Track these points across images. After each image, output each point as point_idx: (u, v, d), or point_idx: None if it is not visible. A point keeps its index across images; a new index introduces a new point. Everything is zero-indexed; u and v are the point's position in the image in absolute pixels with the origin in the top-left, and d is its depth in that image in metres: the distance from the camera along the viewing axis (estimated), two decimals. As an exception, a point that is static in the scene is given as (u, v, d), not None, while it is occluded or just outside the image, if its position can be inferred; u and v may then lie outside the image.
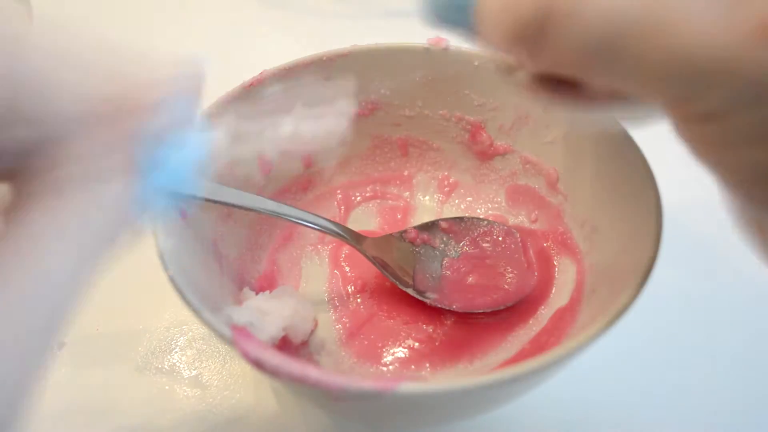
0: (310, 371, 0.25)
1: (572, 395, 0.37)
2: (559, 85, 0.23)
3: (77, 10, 0.78)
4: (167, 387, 0.38)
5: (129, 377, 0.39)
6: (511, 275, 0.42)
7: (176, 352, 0.40)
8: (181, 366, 0.39)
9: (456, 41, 0.44)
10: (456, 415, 0.31)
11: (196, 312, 0.28)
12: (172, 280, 0.29)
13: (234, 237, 0.40)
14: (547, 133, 0.42)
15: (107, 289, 0.43)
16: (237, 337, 0.27)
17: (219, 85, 0.42)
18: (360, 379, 0.25)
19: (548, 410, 0.37)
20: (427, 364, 0.38)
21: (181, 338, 0.41)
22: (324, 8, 0.80)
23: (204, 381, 0.39)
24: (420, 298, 0.41)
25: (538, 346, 0.37)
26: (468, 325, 0.40)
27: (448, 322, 0.41)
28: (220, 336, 0.27)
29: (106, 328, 0.41)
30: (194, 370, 0.39)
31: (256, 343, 0.27)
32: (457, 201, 0.49)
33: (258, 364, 0.26)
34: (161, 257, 0.30)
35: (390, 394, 0.24)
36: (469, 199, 0.48)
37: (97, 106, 0.17)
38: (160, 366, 0.39)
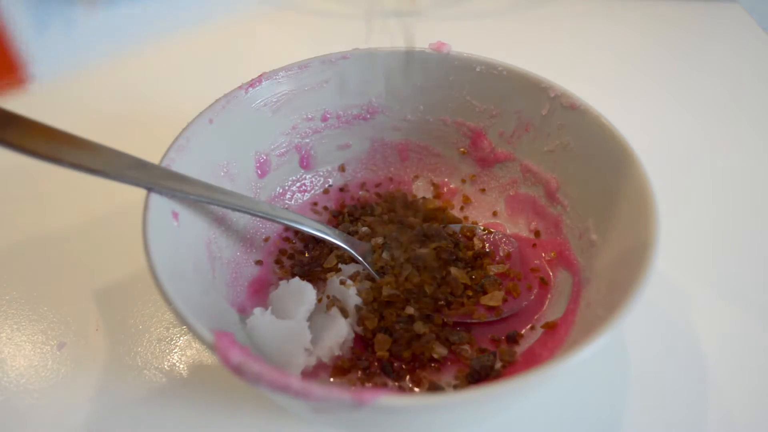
0: (292, 380, 0.25)
1: (567, 404, 0.37)
2: None
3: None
4: (167, 387, 0.38)
5: (129, 377, 0.38)
6: (506, 286, 0.42)
7: (176, 352, 0.40)
8: (181, 366, 0.39)
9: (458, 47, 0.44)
10: (439, 429, 0.30)
11: (174, 310, 0.27)
12: (153, 274, 0.29)
13: (228, 239, 0.40)
14: (548, 142, 0.42)
15: (107, 289, 0.44)
16: (219, 342, 0.26)
17: (219, 86, 0.42)
18: (340, 391, 0.24)
19: (542, 419, 0.36)
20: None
21: (181, 338, 0.41)
22: (325, 8, 0.79)
23: (204, 381, 0.38)
24: (414, 305, 0.40)
25: (530, 358, 0.36)
26: (462, 334, 0.40)
27: (442, 331, 0.40)
28: (201, 339, 0.27)
29: (106, 328, 0.41)
30: (194, 370, 0.39)
31: (238, 349, 0.26)
32: (456, 208, 0.48)
33: (238, 371, 0.26)
34: (147, 254, 0.29)
35: (369, 406, 0.24)
36: (468, 206, 0.48)
37: None
38: (160, 366, 0.39)
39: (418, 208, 0.46)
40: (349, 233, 0.44)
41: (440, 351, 0.37)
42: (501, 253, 0.44)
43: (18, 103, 0.62)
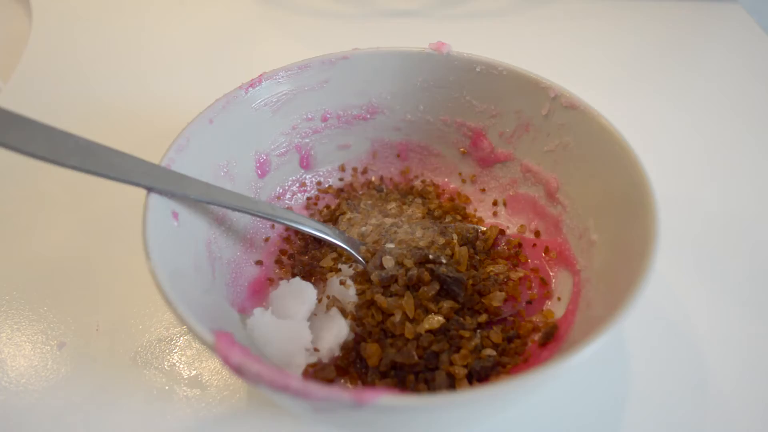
0: (292, 380, 0.25)
1: (567, 404, 0.37)
2: None
3: (76, 11, 0.78)
4: (167, 387, 0.38)
5: (129, 377, 0.39)
6: (506, 286, 0.42)
7: (176, 352, 0.40)
8: (181, 366, 0.39)
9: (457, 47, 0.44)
10: (439, 428, 0.30)
11: (174, 310, 0.27)
12: (153, 274, 0.28)
13: (228, 239, 0.40)
14: (548, 142, 0.42)
15: (107, 289, 0.44)
16: (219, 342, 0.26)
17: (218, 86, 0.42)
18: (340, 391, 0.24)
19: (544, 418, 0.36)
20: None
21: (181, 338, 0.41)
22: (324, 8, 0.79)
23: (204, 381, 0.38)
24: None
25: (530, 358, 0.36)
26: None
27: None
28: (201, 340, 0.27)
29: (106, 328, 0.41)
30: (194, 370, 0.39)
31: (238, 349, 0.26)
32: (455, 207, 0.48)
33: (239, 371, 0.26)
34: (147, 254, 0.29)
35: (369, 406, 0.24)
36: (468, 206, 0.48)
37: None
38: (160, 366, 0.39)
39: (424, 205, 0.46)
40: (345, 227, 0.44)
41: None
42: (500, 254, 0.44)
43: (16, 99, 0.62)
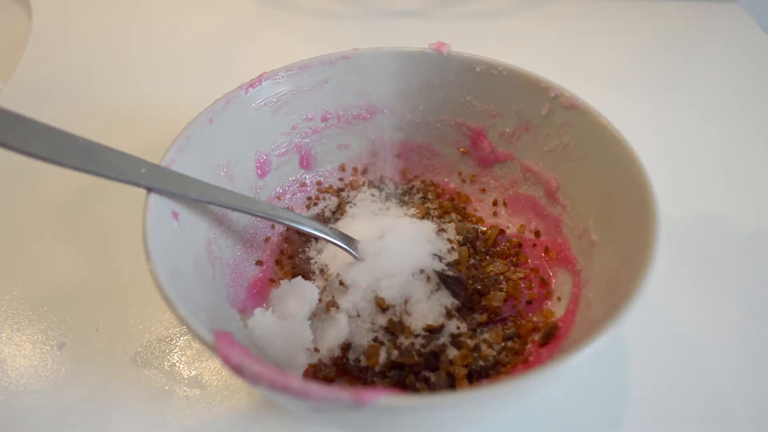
0: (292, 380, 0.25)
1: (567, 405, 0.37)
2: None
3: (76, 11, 0.78)
4: (167, 387, 0.38)
5: (129, 377, 0.39)
6: (506, 286, 0.42)
7: (176, 352, 0.40)
8: (181, 366, 0.39)
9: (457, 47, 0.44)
10: (439, 428, 0.30)
11: (174, 310, 0.27)
12: (153, 274, 0.28)
13: (228, 239, 0.40)
14: (548, 141, 0.42)
15: (107, 289, 0.44)
16: (219, 342, 0.26)
17: (218, 86, 0.42)
18: (340, 391, 0.24)
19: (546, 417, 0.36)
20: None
21: (181, 338, 0.41)
22: (324, 9, 0.80)
23: (204, 381, 0.38)
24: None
25: (530, 358, 0.36)
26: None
27: (441, 331, 0.40)
28: (201, 340, 0.27)
29: (106, 328, 0.41)
30: (194, 370, 0.39)
31: (238, 349, 0.26)
32: (456, 207, 0.48)
33: (239, 371, 0.26)
34: (147, 254, 0.29)
35: (369, 406, 0.24)
36: (468, 206, 0.48)
37: None
38: (160, 366, 0.39)
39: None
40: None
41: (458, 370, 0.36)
42: (500, 254, 0.44)
43: (16, 99, 0.62)
